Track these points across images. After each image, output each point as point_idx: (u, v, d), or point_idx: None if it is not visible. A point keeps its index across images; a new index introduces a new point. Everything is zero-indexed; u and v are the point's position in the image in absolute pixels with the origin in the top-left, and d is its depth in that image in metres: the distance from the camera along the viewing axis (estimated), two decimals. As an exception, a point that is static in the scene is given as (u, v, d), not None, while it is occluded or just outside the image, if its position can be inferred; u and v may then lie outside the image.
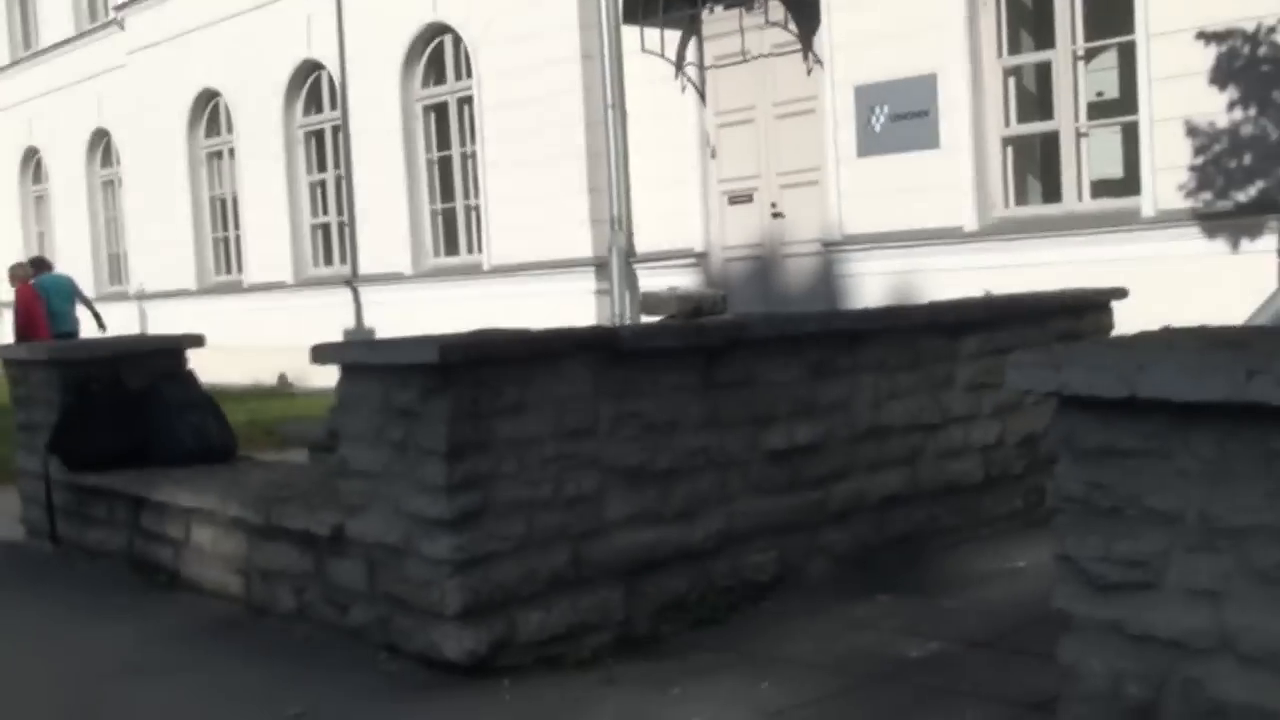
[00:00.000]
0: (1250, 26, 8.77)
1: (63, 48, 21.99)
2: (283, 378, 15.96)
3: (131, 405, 5.79)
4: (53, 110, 22.28)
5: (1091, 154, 10.08)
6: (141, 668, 4.22)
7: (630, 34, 12.34)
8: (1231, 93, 8.92)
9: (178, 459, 5.68)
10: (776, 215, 11.84)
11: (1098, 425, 2.42)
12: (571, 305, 12.54)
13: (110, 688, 4.05)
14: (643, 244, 12.80)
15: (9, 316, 15.18)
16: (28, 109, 23.07)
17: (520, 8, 13.29)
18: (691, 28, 12.19)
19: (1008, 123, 10.38)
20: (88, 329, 14.76)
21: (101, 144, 21.61)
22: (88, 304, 15.37)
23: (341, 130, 15.94)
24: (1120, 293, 5.88)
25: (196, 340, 6.40)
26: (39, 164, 23.55)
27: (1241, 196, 8.99)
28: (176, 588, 5.18)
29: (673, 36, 12.24)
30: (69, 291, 15.21)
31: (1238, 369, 2.17)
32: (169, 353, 6.31)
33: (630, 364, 4.14)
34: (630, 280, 12.72)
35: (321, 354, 4.21)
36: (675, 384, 4.27)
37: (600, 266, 12.85)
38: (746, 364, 4.49)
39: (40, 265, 15.95)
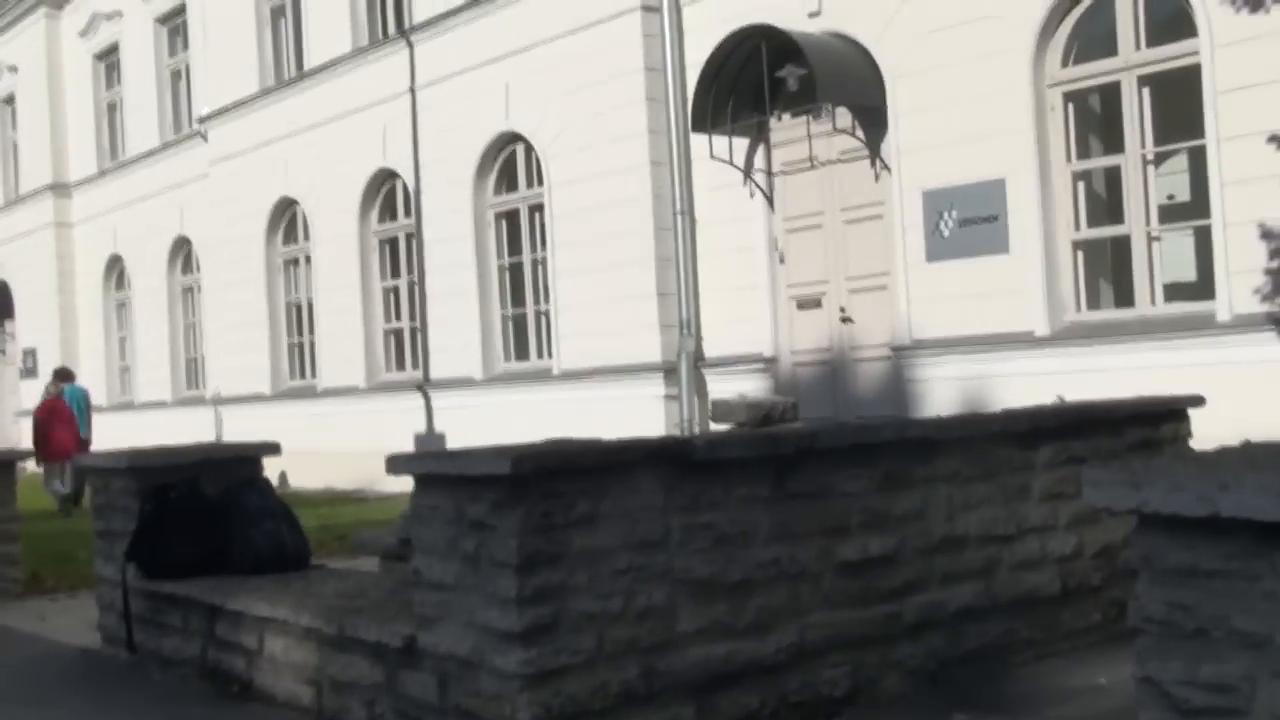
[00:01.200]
0: (1323, 130, 8.72)
1: (147, 159, 22.70)
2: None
3: (209, 513, 5.86)
4: (136, 219, 22.94)
5: (1164, 258, 10.01)
6: (213, 779, 4.22)
7: (699, 141, 12.52)
8: (1306, 196, 8.85)
9: (253, 567, 5.72)
10: (845, 320, 11.84)
11: (1179, 545, 2.37)
12: (640, 410, 12.57)
13: (182, 799, 4.06)
14: (711, 349, 12.85)
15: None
16: (112, 218, 23.77)
17: (590, 116, 13.54)
18: (759, 135, 12.34)
19: (1078, 226, 10.34)
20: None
21: (183, 252, 22.17)
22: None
23: (415, 237, 16.24)
24: (1197, 400, 5.79)
25: (273, 448, 6.49)
26: (121, 272, 24.19)
27: (1320, 300, 8.87)
28: (249, 698, 5.19)
29: (741, 144, 12.40)
30: (86, 402, 17.29)
31: (1323, 490, 2.13)
32: (246, 460, 6.40)
33: (702, 474, 4.14)
34: (699, 385, 12.76)
35: (395, 464, 4.24)
36: (747, 495, 4.26)
37: (669, 371, 12.90)
38: (819, 474, 4.46)
39: (64, 376, 17.74)
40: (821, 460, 4.48)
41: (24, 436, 24.63)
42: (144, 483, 6.05)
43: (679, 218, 12.87)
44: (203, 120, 20.28)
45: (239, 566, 5.75)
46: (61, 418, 16.14)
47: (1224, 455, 2.67)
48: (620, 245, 13.25)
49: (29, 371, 26.57)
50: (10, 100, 27.61)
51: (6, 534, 8.83)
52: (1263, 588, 2.28)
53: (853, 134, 11.54)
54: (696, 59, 12.35)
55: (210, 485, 6.04)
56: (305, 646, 4.86)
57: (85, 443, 16.38)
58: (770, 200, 12.39)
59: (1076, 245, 10.33)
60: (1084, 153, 10.44)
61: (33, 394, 26.15)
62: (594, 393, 13.39)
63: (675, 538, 4.06)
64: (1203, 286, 9.82)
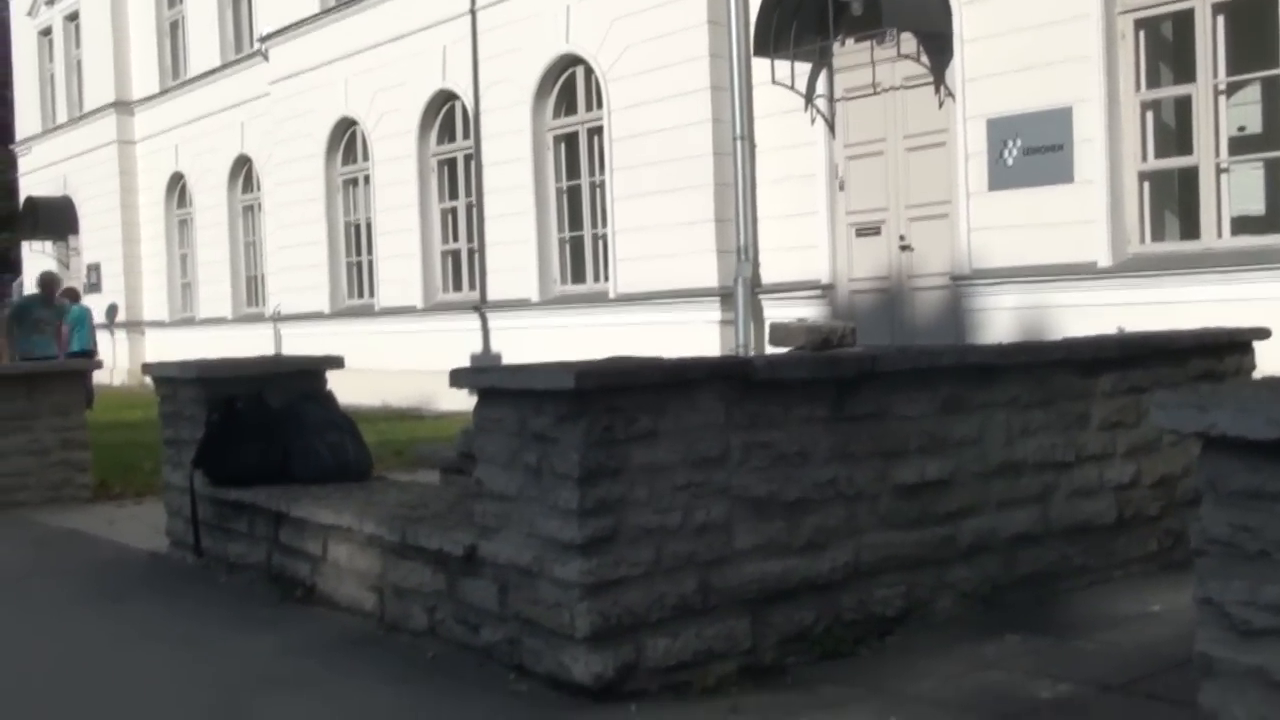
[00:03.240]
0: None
1: (208, 78, 22.82)
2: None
3: (273, 423, 5.98)
4: (198, 138, 23.13)
5: (1232, 190, 9.84)
6: (279, 679, 4.35)
7: (760, 66, 12.41)
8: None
9: (316, 477, 5.84)
10: (905, 248, 11.77)
11: (1245, 467, 2.38)
12: (695, 335, 12.60)
13: (249, 697, 4.19)
14: (768, 275, 12.83)
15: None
16: (174, 136, 23.97)
17: (652, 39, 13.44)
18: (822, 60, 12.21)
19: (1145, 157, 10.18)
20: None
21: (243, 170, 22.34)
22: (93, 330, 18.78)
23: (473, 159, 16.26)
24: (1262, 333, 5.74)
25: (336, 362, 6.60)
26: (184, 189, 24.42)
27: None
28: (312, 602, 5.33)
29: (803, 69, 12.28)
30: (87, 320, 18.61)
31: (1394, 413, 2.12)
32: (310, 374, 6.51)
33: (762, 394, 4.17)
34: (755, 311, 12.76)
35: (460, 378, 4.31)
36: (806, 415, 4.29)
37: (725, 297, 12.90)
38: (878, 397, 4.48)
39: (70, 295, 19.04)
40: (881, 383, 4.50)
41: (88, 350, 25.08)
42: (211, 393, 6.19)
43: (739, 143, 12.80)
44: (263, 40, 20.31)
45: (303, 476, 5.86)
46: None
47: (1292, 380, 2.66)
48: (679, 170, 13.20)
49: (92, 287, 26.99)
50: (74, 18, 27.78)
51: (75, 441, 9.06)
52: (1328, 510, 2.29)
53: (917, 60, 11.39)
54: (760, -19, 12.20)
55: (275, 397, 6.15)
56: (368, 553, 4.97)
57: (90, 354, 18.25)
58: (831, 126, 12.28)
59: (1143, 176, 10.18)
60: (1154, 82, 10.25)
61: (96, 308, 26.72)
62: (649, 316, 13.42)
63: (734, 455, 4.10)
64: (1271, 220, 9.67)
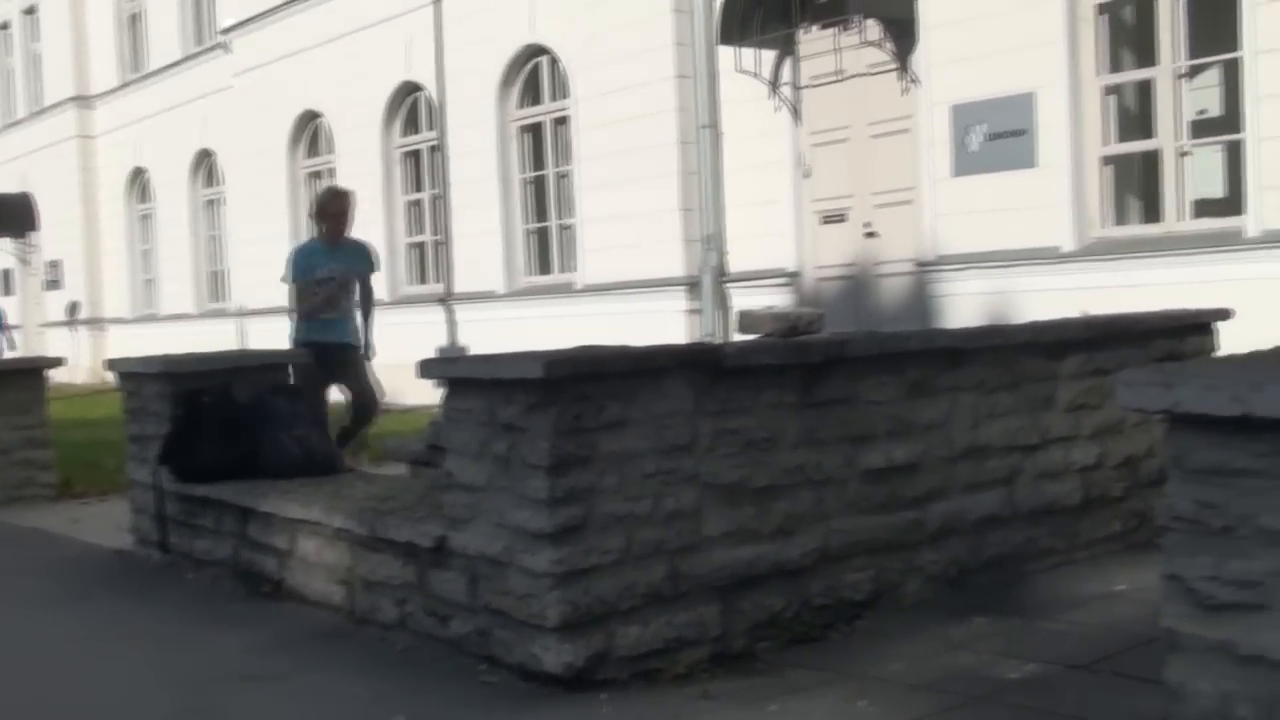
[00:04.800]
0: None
1: (170, 70, 22.61)
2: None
3: (240, 418, 5.94)
4: (159, 131, 22.91)
5: (1193, 173, 9.92)
6: (248, 674, 4.33)
7: (726, 54, 12.41)
8: (1340, 111, 8.74)
9: (283, 471, 5.81)
10: (870, 235, 11.80)
11: (1209, 444, 2.40)
12: (663, 324, 12.59)
13: (219, 692, 4.16)
14: (735, 263, 12.83)
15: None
16: (135, 130, 23.74)
17: (617, 28, 13.41)
18: (787, 47, 12.22)
19: (1107, 141, 10.25)
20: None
21: (205, 164, 22.17)
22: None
23: (438, 150, 16.19)
24: (1223, 314, 5.79)
25: (302, 356, 6.56)
26: (145, 184, 24.21)
27: (1351, 217, 8.80)
28: (280, 597, 5.30)
29: (768, 56, 12.28)
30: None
31: (1355, 389, 2.14)
32: (276, 367, 6.48)
33: (730, 381, 4.17)
34: (722, 300, 12.77)
35: (428, 368, 4.29)
36: (774, 401, 4.29)
37: (692, 286, 12.90)
38: (846, 382, 4.49)
39: None
40: (849, 368, 4.51)
41: (48, 347, 24.91)
42: (177, 388, 6.13)
43: (704, 131, 12.79)
44: (226, 32, 20.15)
45: (270, 471, 5.83)
46: None
47: (1255, 357, 2.69)
48: (645, 159, 13.19)
49: (52, 284, 26.75)
50: (32, 11, 27.48)
51: (37, 440, 8.97)
52: (1291, 486, 2.31)
53: (881, 47, 11.41)
54: (724, -31, 12.19)
55: (241, 392, 6.10)
56: (337, 547, 4.95)
57: None
58: (796, 114, 12.29)
59: (1105, 160, 10.24)
60: (1116, 66, 10.31)
61: (56, 306, 26.49)
62: (616, 306, 13.41)
63: (703, 442, 4.10)
64: (1232, 202, 9.74)
